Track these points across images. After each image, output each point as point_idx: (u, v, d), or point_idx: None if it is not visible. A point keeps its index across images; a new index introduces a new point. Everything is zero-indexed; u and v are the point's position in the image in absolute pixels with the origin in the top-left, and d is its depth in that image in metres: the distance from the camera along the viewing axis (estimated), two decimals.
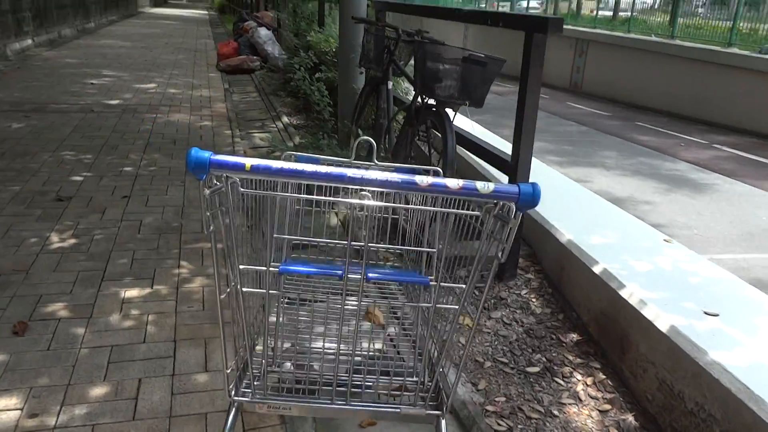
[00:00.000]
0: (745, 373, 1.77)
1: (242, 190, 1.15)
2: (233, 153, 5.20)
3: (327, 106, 4.57)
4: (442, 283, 1.40)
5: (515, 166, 2.77)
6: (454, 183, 1.09)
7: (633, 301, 2.22)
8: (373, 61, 4.35)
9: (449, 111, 3.28)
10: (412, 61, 4.38)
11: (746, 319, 2.12)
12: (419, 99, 3.64)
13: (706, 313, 2.12)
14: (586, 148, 7.81)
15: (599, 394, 2.24)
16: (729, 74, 10.19)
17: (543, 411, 2.14)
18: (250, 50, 9.81)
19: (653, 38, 12.26)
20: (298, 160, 1.84)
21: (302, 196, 1.23)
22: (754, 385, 1.70)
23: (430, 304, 1.42)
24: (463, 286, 1.40)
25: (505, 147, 3.59)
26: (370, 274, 1.39)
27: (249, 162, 1.04)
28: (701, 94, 10.68)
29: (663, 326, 2.04)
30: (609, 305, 2.38)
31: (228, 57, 9.67)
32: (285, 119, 6.51)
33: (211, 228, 1.15)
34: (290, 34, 6.99)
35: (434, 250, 1.60)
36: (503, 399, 2.19)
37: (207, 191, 1.10)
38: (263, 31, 9.78)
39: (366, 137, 1.44)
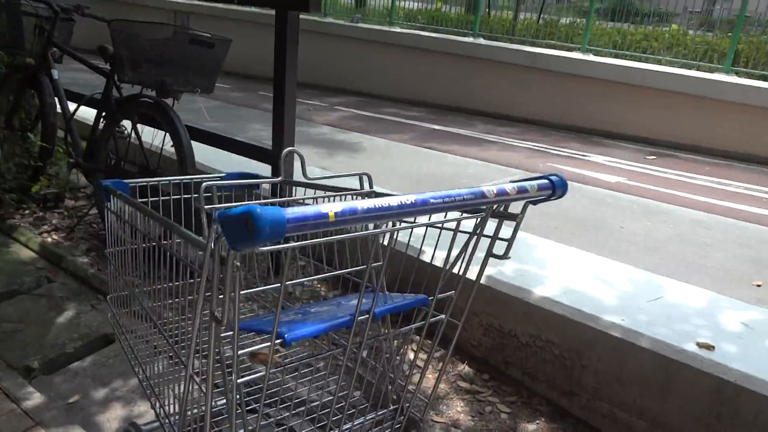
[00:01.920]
0: (568, 298, 2.11)
1: (261, 248, 0.80)
2: None
3: None
4: (439, 295, 1.30)
5: (279, 155, 2.62)
6: (511, 188, 1.00)
7: (427, 259, 2.33)
8: (17, 44, 3.44)
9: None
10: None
11: (527, 253, 2.51)
12: (116, 89, 3.07)
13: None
14: (235, 122, 7.78)
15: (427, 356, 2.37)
16: (326, 41, 11.39)
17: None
18: None
19: (253, 9, 12.75)
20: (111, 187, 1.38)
21: (323, 240, 0.94)
22: (580, 307, 2.06)
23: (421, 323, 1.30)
24: (452, 292, 1.32)
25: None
26: (378, 309, 1.18)
27: (331, 209, 0.74)
28: (306, 60, 11.67)
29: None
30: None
31: None
32: None
33: (232, 314, 0.79)
34: None
35: (380, 263, 1.43)
36: (358, 393, 2.14)
37: (237, 263, 0.75)
38: None
39: (292, 148, 1.17)
